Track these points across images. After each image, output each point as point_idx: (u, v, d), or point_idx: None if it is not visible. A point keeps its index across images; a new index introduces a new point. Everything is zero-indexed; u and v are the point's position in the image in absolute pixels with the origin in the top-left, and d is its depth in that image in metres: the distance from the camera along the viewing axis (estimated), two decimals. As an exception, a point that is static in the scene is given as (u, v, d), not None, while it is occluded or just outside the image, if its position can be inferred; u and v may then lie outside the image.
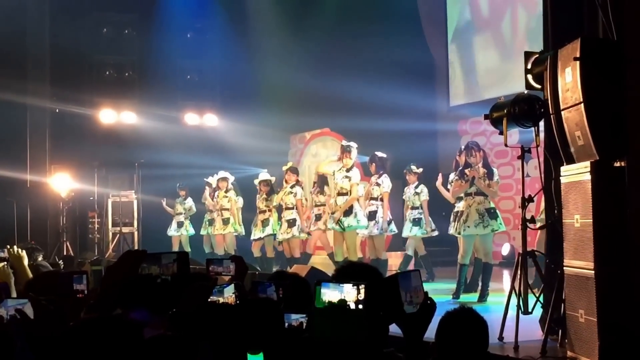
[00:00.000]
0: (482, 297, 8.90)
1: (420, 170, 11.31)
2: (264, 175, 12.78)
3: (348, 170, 10.35)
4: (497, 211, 9.22)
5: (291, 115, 16.64)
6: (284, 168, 12.33)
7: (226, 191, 13.44)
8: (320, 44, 16.49)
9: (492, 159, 14.15)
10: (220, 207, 13.46)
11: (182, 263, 4.43)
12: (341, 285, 2.59)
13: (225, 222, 13.36)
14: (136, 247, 13.72)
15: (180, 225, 14.78)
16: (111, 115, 16.69)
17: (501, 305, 6.36)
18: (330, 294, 2.57)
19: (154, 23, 17.07)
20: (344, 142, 10.68)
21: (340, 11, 16.36)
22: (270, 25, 17.34)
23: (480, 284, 9.11)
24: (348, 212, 10.13)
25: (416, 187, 11.24)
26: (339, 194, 10.30)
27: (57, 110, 16.43)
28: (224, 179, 13.48)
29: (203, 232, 14.15)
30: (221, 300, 3.75)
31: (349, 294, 2.53)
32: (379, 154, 10.69)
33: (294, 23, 17.01)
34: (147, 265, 4.38)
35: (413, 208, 11.26)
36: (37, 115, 16.11)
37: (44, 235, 15.36)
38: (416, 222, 11.20)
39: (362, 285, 2.60)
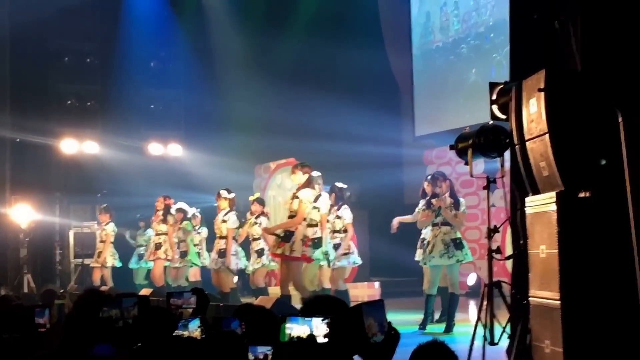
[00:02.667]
0: (449, 328, 8.88)
1: None
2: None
3: (315, 200, 9.81)
4: (464, 241, 9.24)
5: (256, 145, 16.61)
6: (251, 199, 12.14)
7: (181, 222, 12.75)
8: (284, 74, 16.53)
9: (458, 189, 14.21)
10: (179, 239, 12.77)
11: (142, 306, 4.39)
12: (309, 319, 2.54)
13: (183, 255, 12.63)
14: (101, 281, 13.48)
15: (141, 257, 14.39)
16: (73, 145, 16.49)
17: (467, 336, 6.33)
18: (298, 328, 2.52)
19: (116, 51, 16.97)
20: (314, 173, 10.02)
21: (304, 42, 16.44)
22: (234, 54, 17.37)
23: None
24: (317, 244, 9.60)
25: None
26: (309, 225, 9.57)
27: (18, 140, 16.20)
28: (180, 209, 12.86)
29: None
30: (186, 334, 3.70)
31: (318, 328, 2.48)
32: (339, 184, 10.36)
33: (259, 53, 17.07)
34: (108, 309, 4.33)
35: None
36: (-3, 145, 15.90)
37: (3, 267, 15.09)
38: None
39: (329, 319, 2.55)
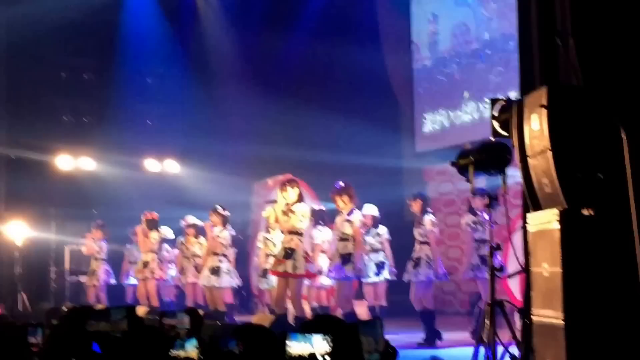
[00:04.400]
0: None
1: None
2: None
3: (349, 214, 9.55)
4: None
5: (253, 161, 16.56)
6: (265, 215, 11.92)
7: (196, 237, 12.62)
8: (283, 90, 16.51)
9: (459, 206, 14.20)
10: (192, 254, 12.63)
11: (132, 320, 4.28)
12: (310, 336, 2.49)
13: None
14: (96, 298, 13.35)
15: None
16: (69, 162, 16.45)
17: (468, 356, 6.25)
18: (298, 346, 2.47)
19: (112, 67, 16.95)
20: (341, 183, 9.75)
21: (303, 58, 16.42)
22: (231, 70, 17.36)
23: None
24: (347, 259, 9.37)
25: None
26: (340, 239, 9.49)
27: (13, 157, 16.14)
28: (193, 225, 12.71)
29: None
30: (182, 354, 3.63)
31: (319, 346, 2.43)
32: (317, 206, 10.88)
33: (256, 68, 17.05)
34: (95, 322, 4.23)
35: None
36: (-8, 161, 15.85)
37: (-3, 285, 15.01)
38: None
39: (330, 337, 2.50)
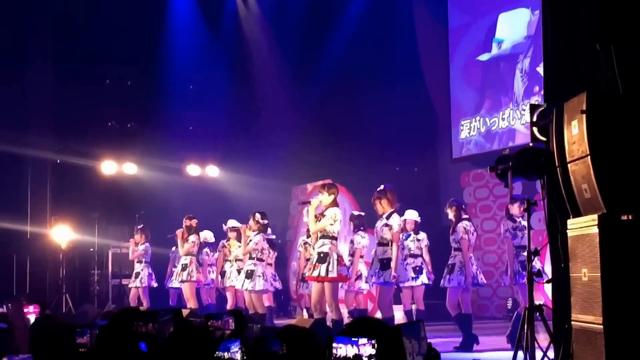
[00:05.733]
0: None
1: None
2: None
3: (388, 218, 9.42)
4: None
5: (293, 166, 16.66)
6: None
7: (238, 240, 12.42)
8: (321, 95, 16.59)
9: (495, 211, 14.17)
10: (235, 258, 12.55)
11: (178, 322, 4.35)
12: (355, 339, 2.56)
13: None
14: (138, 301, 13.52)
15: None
16: (112, 167, 16.70)
17: (507, 360, 6.29)
18: (344, 348, 2.54)
19: (155, 75, 17.19)
20: (381, 186, 9.64)
21: (343, 61, 16.49)
22: (272, 75, 17.49)
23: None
24: (386, 265, 9.27)
25: None
26: (379, 244, 9.43)
27: (59, 162, 16.45)
28: (234, 228, 12.69)
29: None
30: (227, 356, 3.71)
31: (365, 349, 2.50)
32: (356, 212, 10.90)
33: (297, 73, 17.16)
34: (143, 324, 4.30)
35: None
36: (39, 167, 16.13)
37: (43, 287, 15.25)
38: None
39: (374, 340, 2.56)
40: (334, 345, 2.57)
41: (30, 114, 16.19)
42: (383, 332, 2.99)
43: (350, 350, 2.56)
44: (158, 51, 17.28)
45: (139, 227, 13.92)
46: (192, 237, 12.63)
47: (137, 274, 13.56)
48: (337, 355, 2.57)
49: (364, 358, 2.54)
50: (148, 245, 13.64)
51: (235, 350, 3.73)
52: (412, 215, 11.12)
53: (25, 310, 7.77)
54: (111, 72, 17.61)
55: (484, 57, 15.51)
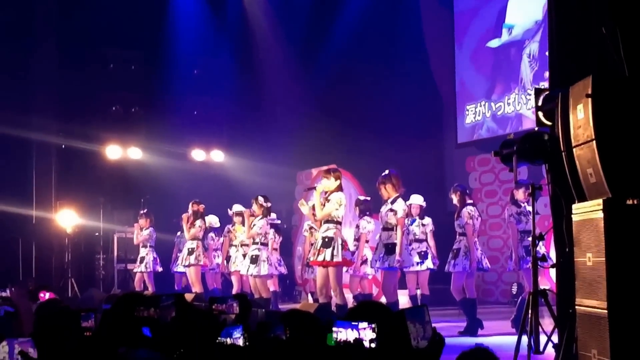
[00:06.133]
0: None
1: None
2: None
3: (393, 202, 9.38)
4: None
5: (298, 151, 16.64)
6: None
7: (243, 225, 12.28)
8: (327, 82, 16.55)
9: (500, 196, 14.14)
10: (240, 243, 12.53)
11: (180, 307, 4.34)
12: (356, 323, 2.54)
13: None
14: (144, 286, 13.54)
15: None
16: (117, 151, 16.72)
17: (509, 345, 6.27)
18: (345, 332, 2.53)
19: (160, 59, 17.16)
20: (386, 171, 9.59)
21: (348, 49, 16.44)
22: (277, 60, 17.44)
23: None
24: (391, 249, 9.25)
25: None
26: (384, 229, 9.40)
27: (63, 146, 16.45)
28: (240, 212, 12.58)
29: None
30: (229, 341, 3.70)
31: (365, 333, 2.48)
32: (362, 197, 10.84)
33: (301, 61, 17.11)
34: (145, 308, 4.29)
35: None
36: (43, 151, 16.14)
37: (49, 271, 15.30)
38: None
39: (375, 324, 2.55)
40: (334, 329, 2.56)
41: (35, 98, 16.20)
42: (386, 316, 2.97)
43: (351, 335, 2.54)
44: (163, 35, 17.26)
45: (142, 211, 13.92)
46: (198, 222, 12.63)
47: (142, 259, 13.57)
48: (338, 339, 2.55)
49: (365, 342, 2.52)
50: (152, 229, 13.62)
51: (238, 336, 3.72)
52: (417, 200, 11.10)
53: (41, 295, 7.70)
54: (116, 57, 17.58)
55: (494, 43, 15.42)
